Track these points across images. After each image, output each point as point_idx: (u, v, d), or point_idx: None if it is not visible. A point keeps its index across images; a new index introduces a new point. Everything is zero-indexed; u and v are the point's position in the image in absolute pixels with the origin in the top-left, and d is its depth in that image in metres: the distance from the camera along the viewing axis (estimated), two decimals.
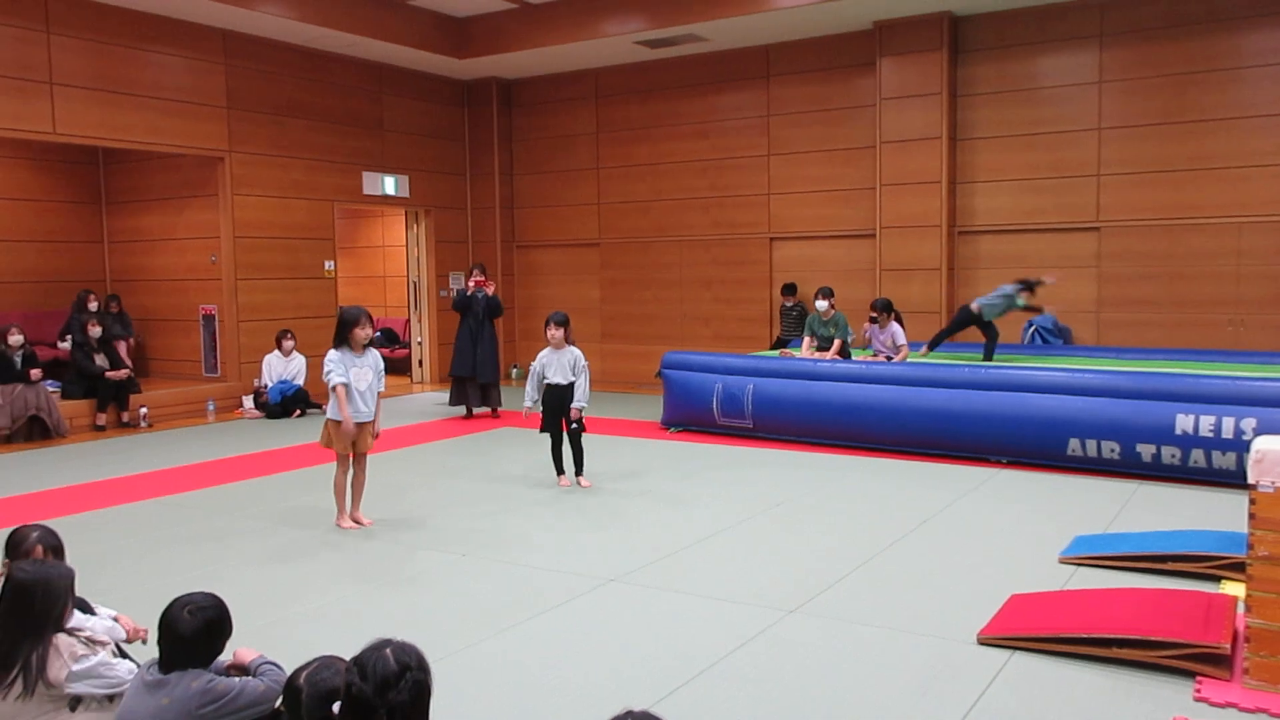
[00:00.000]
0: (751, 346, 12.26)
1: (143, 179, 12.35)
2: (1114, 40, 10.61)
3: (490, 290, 10.71)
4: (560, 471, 7.23)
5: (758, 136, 12.70)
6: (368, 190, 13.05)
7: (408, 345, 14.75)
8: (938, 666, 3.85)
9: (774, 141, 12.60)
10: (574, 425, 7.09)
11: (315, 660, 2.49)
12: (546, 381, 7.09)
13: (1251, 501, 3.59)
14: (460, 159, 14.54)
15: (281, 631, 4.29)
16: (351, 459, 6.13)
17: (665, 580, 4.98)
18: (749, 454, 8.42)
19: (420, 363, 14.35)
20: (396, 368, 15.12)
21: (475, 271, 10.79)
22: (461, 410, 10.86)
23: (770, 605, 4.55)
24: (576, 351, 7.13)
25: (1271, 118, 9.96)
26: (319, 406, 11.20)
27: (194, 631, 2.73)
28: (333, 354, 6.04)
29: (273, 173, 11.87)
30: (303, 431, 9.79)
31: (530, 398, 7.15)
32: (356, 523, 6.12)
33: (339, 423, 5.97)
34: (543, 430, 7.18)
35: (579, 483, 7.14)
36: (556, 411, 7.10)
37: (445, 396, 11.30)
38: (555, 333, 7.07)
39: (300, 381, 11.13)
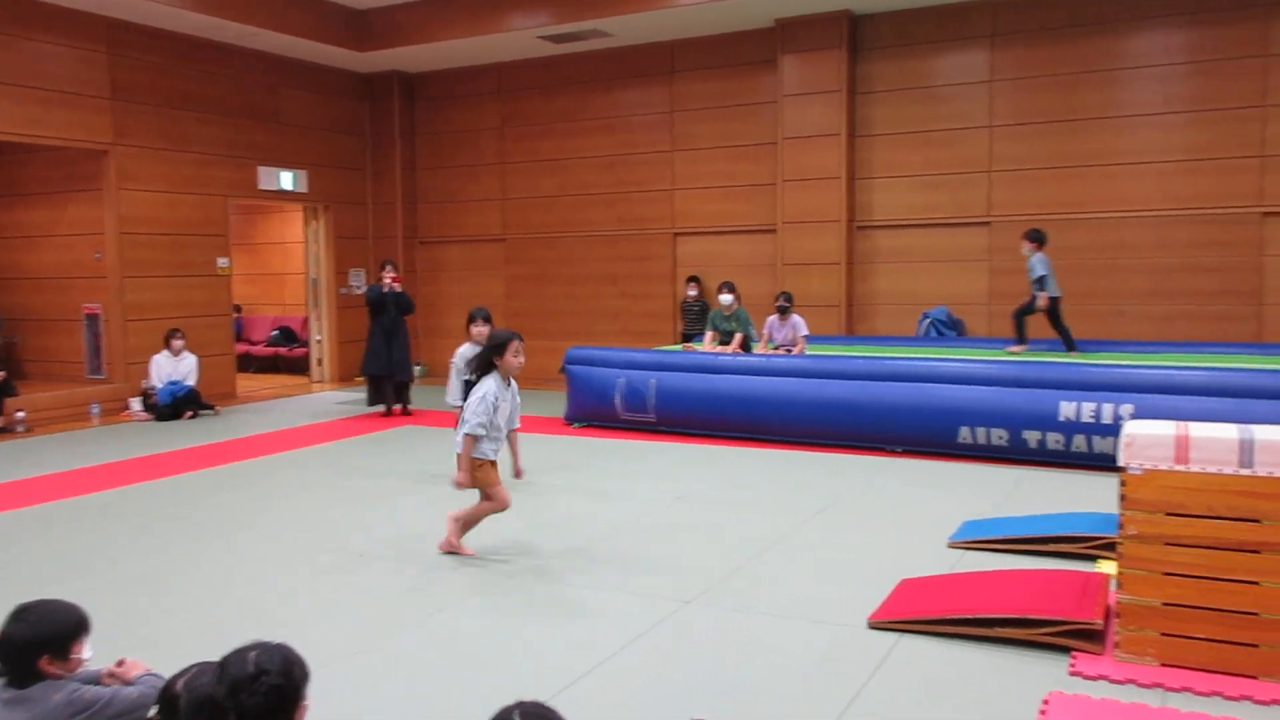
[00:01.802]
0: (656, 341, 12.31)
1: (22, 172, 11.78)
2: (1004, 40, 10.94)
3: (399, 286, 10.58)
4: None
5: (662, 132, 12.75)
6: (263, 185, 12.70)
7: (306, 344, 14.40)
8: (829, 652, 3.91)
9: (678, 137, 12.66)
10: None
11: (194, 666, 2.39)
12: (468, 378, 6.96)
13: (1122, 483, 3.73)
14: (361, 153, 14.25)
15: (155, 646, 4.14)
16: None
17: (567, 575, 4.95)
18: (652, 448, 8.45)
19: (320, 361, 14.02)
20: (295, 367, 14.78)
21: (388, 268, 10.62)
22: (381, 408, 10.68)
23: (666, 596, 4.57)
24: None
25: (1149, 117, 10.40)
26: (211, 408, 10.86)
27: (24, 641, 2.61)
28: (488, 386, 5.05)
29: (161, 166, 11.45)
30: (195, 434, 9.48)
31: (456, 395, 7.01)
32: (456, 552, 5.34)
33: (492, 463, 5.16)
34: None
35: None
36: None
37: (346, 395, 11.11)
38: (483, 329, 7.01)
39: (191, 382, 10.75)
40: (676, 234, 12.77)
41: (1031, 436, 7.37)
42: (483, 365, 5.15)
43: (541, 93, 13.44)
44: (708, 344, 9.97)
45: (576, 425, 9.64)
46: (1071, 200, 10.75)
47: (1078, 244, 10.70)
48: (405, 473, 7.51)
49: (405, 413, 10.63)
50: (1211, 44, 10.11)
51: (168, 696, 2.37)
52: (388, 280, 10.48)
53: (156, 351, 10.87)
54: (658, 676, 3.71)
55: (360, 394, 11.36)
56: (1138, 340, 10.15)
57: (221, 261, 12.22)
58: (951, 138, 11.22)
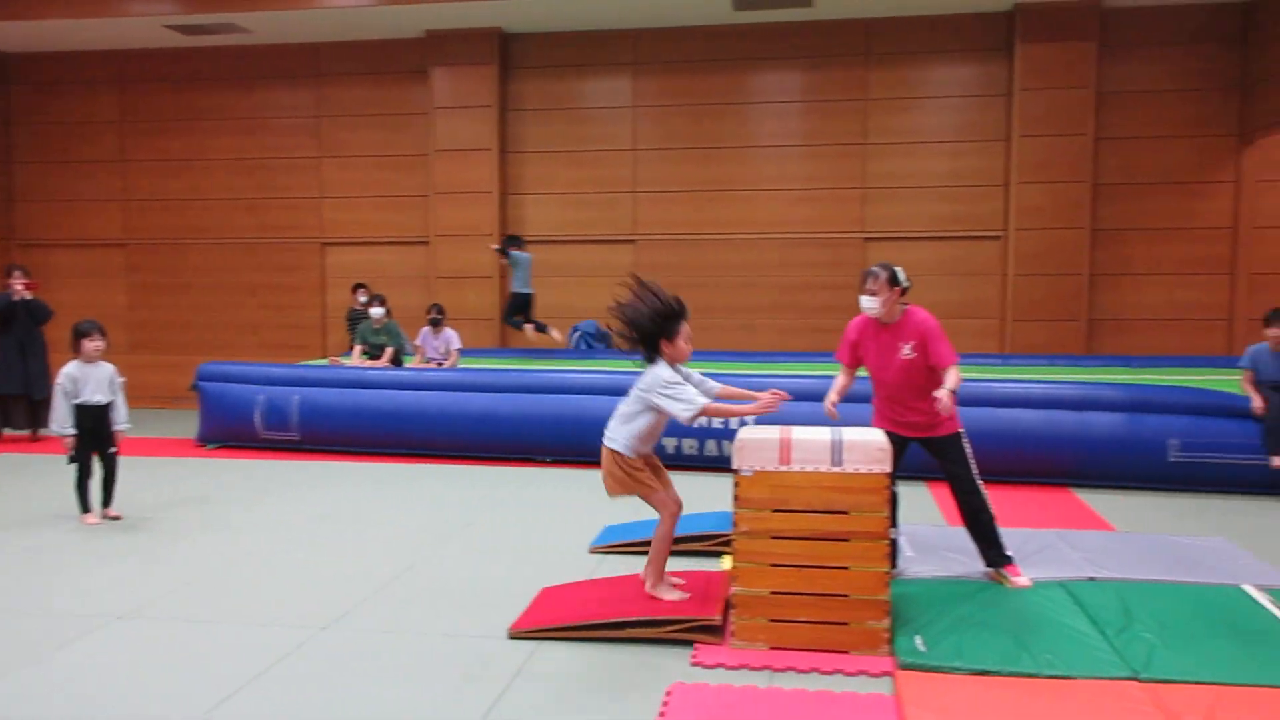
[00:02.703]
0: (303, 355, 11.72)
1: None
2: (646, 69, 11.57)
3: (30, 294, 9.28)
4: (86, 509, 6.25)
5: (308, 137, 12.19)
6: None
7: None
8: (468, 665, 3.87)
9: (326, 143, 12.16)
10: (111, 451, 6.23)
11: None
12: (79, 401, 6.13)
13: (736, 484, 4.03)
14: None
15: None
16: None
17: (188, 610, 4.53)
18: (295, 468, 8.01)
19: None
20: None
21: (17, 273, 9.27)
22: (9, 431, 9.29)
23: (302, 624, 4.32)
24: (110, 366, 6.28)
25: (773, 148, 11.45)
26: None
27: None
28: (665, 370, 4.15)
29: None
30: None
31: (63, 421, 6.11)
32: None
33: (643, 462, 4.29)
34: (72, 460, 6.17)
35: (107, 515, 6.27)
36: (93, 436, 6.16)
37: None
38: (98, 343, 6.17)
39: None
40: (325, 244, 12.24)
41: (670, 443, 7.80)
42: (648, 350, 4.20)
43: (170, 86, 12.37)
44: (356, 358, 9.63)
45: (211, 446, 8.92)
46: (708, 221, 11.57)
47: (714, 262, 11.54)
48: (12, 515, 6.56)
49: (34, 438, 9.31)
50: (822, 87, 11.31)
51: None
52: (18, 287, 9.18)
53: None
54: (288, 706, 3.48)
55: None
56: (766, 351, 11.11)
57: None
58: (599, 158, 11.68)
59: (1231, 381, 7.48)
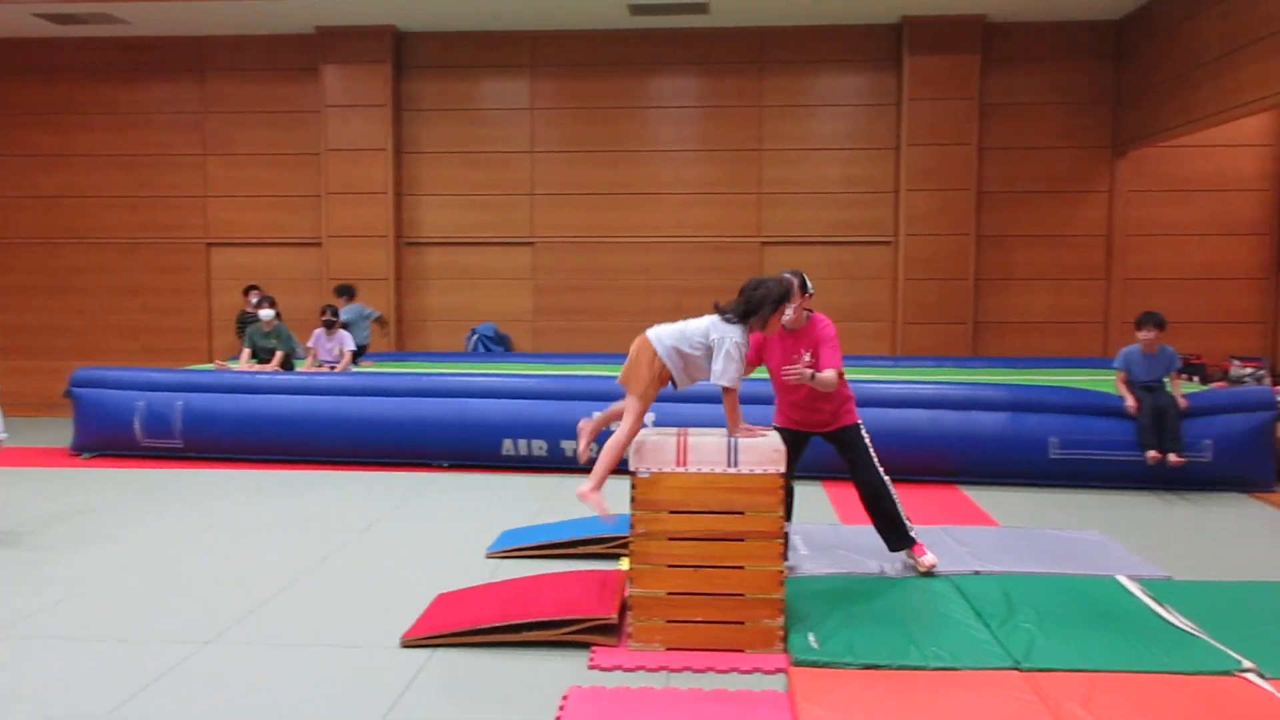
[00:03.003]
0: (189, 360, 11.29)
1: None
2: (543, 71, 11.51)
3: None
4: None
5: (193, 134, 11.76)
6: None
7: None
8: (359, 676, 3.78)
9: (212, 141, 11.75)
10: None
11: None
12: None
13: (633, 486, 4.03)
14: None
15: None
16: None
17: (62, 628, 4.30)
18: (178, 476, 7.70)
19: None
20: None
21: None
22: None
23: (183, 639, 4.15)
24: None
25: (670, 153, 11.52)
26: None
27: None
28: (741, 335, 4.21)
29: None
30: None
31: None
32: None
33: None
34: None
35: None
36: None
37: None
38: None
39: None
40: (211, 244, 11.83)
41: (569, 446, 7.76)
42: (744, 315, 4.23)
43: (40, 77, 11.79)
44: (244, 362, 9.33)
45: (87, 456, 8.52)
46: (607, 224, 11.58)
47: (612, 265, 11.54)
48: None
49: None
50: (717, 92, 11.44)
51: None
52: None
53: None
54: None
55: None
56: None
57: None
58: (496, 160, 11.58)
59: (1107, 382, 7.84)
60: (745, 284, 4.30)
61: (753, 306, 4.22)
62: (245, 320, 10.58)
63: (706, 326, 4.24)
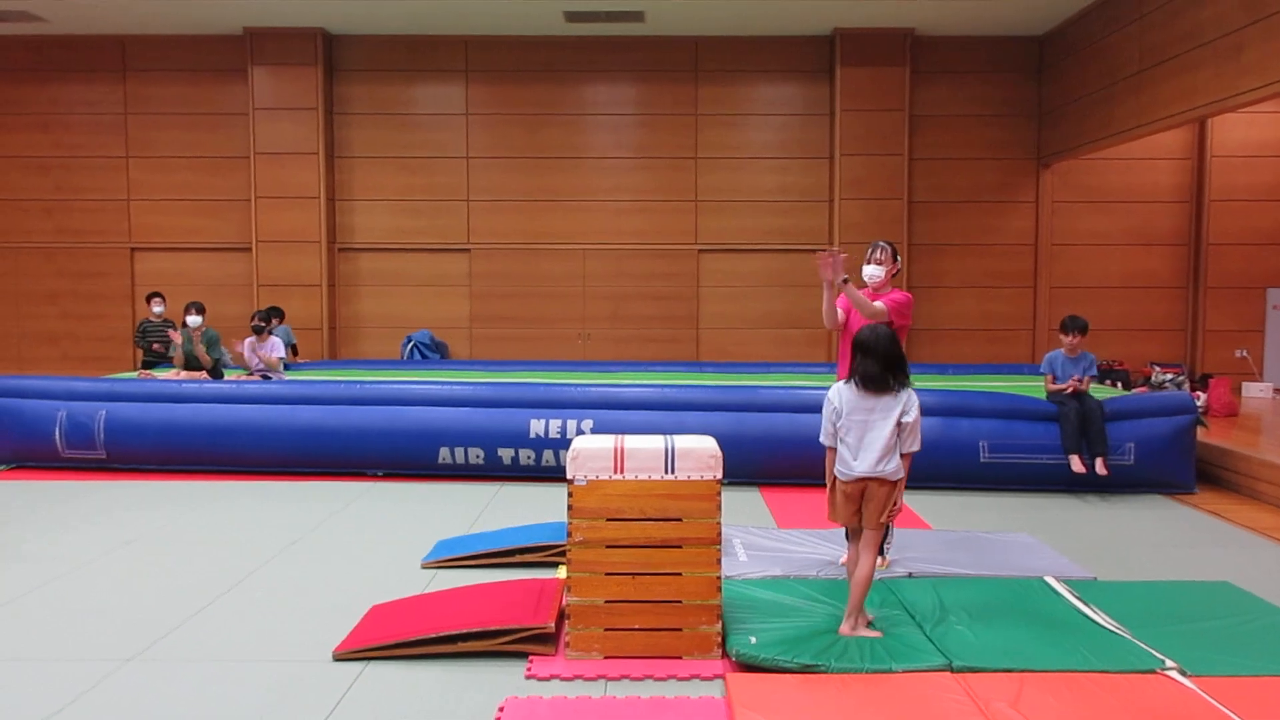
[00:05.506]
0: (111, 368, 10.97)
1: None
2: (478, 77, 11.44)
3: None
4: None
5: (114, 136, 11.45)
6: None
7: None
8: (289, 691, 3.69)
9: (134, 143, 11.46)
10: None
11: None
12: None
13: (570, 494, 4.00)
14: None
15: None
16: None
17: None
18: (100, 488, 7.46)
19: None
20: None
21: None
22: None
23: (104, 657, 4.01)
24: None
25: (607, 160, 11.53)
26: None
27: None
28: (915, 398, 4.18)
29: None
30: None
31: None
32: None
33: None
34: None
35: None
36: None
37: None
38: None
39: None
40: (134, 249, 11.52)
41: (506, 454, 7.70)
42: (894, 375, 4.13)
43: None
44: (178, 365, 9.09)
45: (4, 468, 8.21)
46: (544, 231, 11.54)
47: (550, 272, 11.51)
48: None
49: None
50: (653, 100, 11.49)
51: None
52: None
53: None
54: None
55: None
56: (601, 360, 11.15)
57: None
58: (431, 165, 11.47)
59: (1036, 388, 8.01)
60: (863, 341, 4.14)
61: (891, 362, 4.08)
62: (146, 329, 10.04)
63: (896, 413, 4.08)
